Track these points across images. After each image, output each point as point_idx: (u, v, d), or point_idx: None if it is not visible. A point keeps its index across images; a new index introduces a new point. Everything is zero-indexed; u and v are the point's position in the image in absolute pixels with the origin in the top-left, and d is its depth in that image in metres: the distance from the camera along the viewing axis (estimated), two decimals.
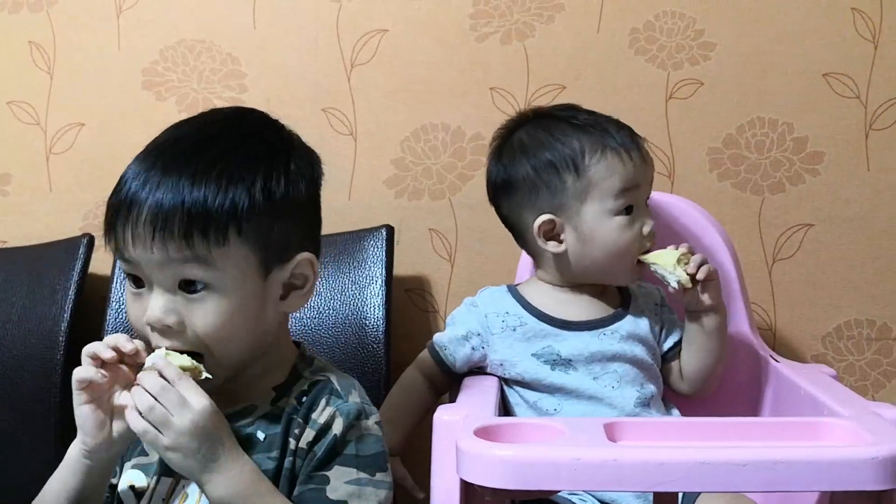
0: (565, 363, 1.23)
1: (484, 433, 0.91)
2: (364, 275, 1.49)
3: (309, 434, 0.97)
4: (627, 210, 1.22)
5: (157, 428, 0.89)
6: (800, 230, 1.53)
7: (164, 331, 0.94)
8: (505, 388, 1.28)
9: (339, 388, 1.01)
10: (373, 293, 1.47)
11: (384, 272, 1.49)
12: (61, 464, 0.99)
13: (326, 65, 1.60)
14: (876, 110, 1.50)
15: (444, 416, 1.06)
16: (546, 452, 0.87)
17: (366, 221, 1.55)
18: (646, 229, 1.23)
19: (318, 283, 1.42)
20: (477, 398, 1.15)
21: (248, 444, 0.95)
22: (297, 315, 1.45)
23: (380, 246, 1.50)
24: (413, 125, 1.59)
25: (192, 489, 0.98)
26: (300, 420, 0.99)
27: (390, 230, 1.51)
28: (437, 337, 1.30)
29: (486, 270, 1.57)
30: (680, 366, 1.28)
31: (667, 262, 1.21)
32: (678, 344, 1.28)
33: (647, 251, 1.24)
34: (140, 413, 0.89)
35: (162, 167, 0.94)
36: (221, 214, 0.92)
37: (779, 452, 0.84)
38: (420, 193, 1.60)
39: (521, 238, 1.29)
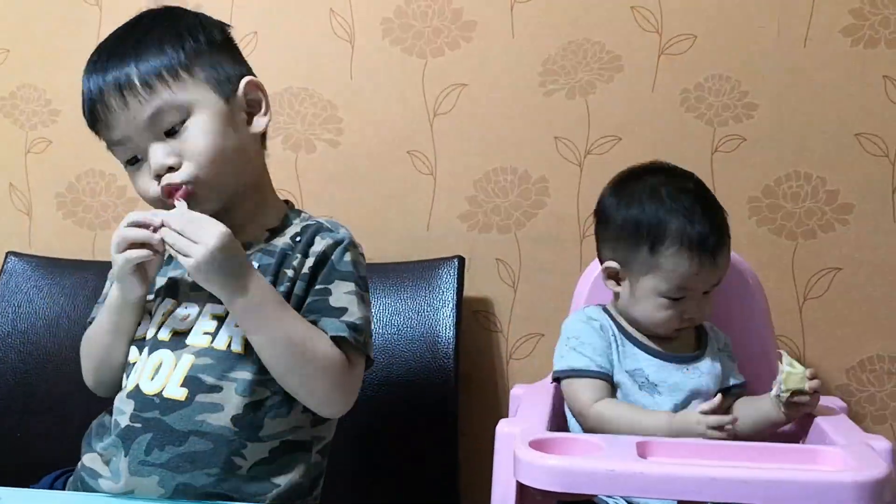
0: (652, 386, 1.29)
1: (537, 445, 1.00)
2: (438, 298, 1.60)
3: (310, 262, 1.10)
4: (676, 298, 1.27)
5: (184, 254, 1.01)
6: (829, 273, 1.60)
7: (168, 171, 1.07)
8: None
9: (328, 226, 1.14)
10: (445, 314, 1.58)
11: (455, 296, 1.59)
12: (104, 308, 1.14)
13: (412, 113, 1.70)
14: None
15: (505, 429, 1.14)
16: (586, 464, 0.97)
17: (441, 250, 1.66)
18: (686, 315, 1.28)
19: (399, 303, 1.61)
20: (533, 414, 1.23)
21: None
22: (379, 331, 1.57)
23: (452, 273, 1.61)
24: (485, 168, 1.69)
25: (169, 357, 1.08)
26: (298, 255, 1.10)
27: (461, 260, 1.62)
28: (573, 364, 1.29)
29: (545, 296, 1.66)
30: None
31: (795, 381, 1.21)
32: (727, 389, 1.32)
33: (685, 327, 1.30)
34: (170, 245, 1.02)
35: (105, 60, 1.09)
36: (169, 62, 1.08)
37: (777, 473, 0.94)
38: (489, 227, 1.70)
39: (600, 259, 1.37)
